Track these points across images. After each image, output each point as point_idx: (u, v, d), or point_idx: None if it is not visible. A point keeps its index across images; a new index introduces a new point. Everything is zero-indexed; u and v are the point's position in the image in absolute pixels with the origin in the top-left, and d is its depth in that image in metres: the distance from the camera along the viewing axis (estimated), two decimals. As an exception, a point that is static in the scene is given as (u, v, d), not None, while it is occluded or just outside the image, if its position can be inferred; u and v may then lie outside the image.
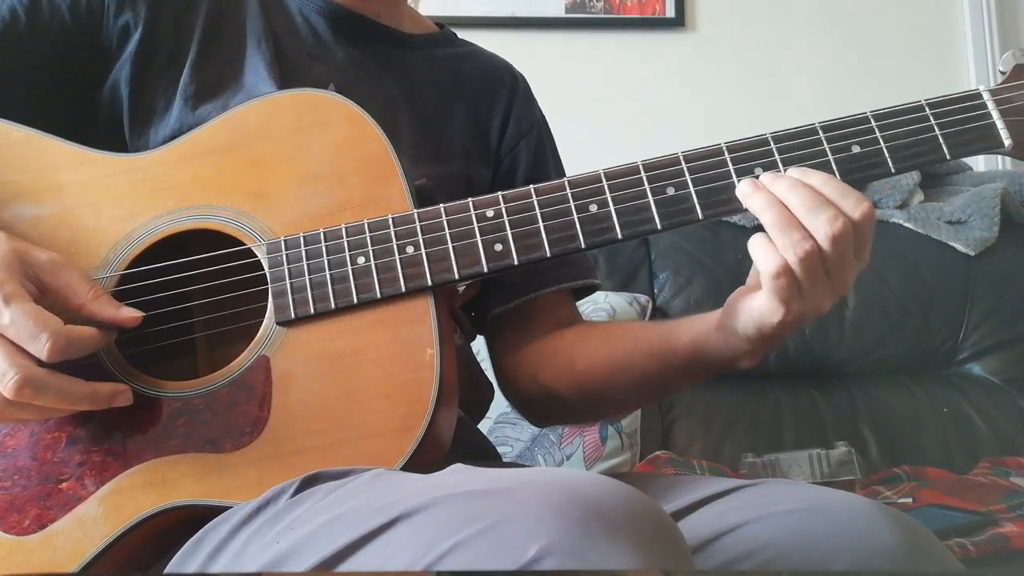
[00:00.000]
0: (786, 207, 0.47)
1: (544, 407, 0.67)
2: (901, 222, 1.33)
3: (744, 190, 0.48)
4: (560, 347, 0.65)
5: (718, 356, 0.54)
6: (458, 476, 0.40)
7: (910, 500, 1.02)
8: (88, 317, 0.46)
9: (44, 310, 0.44)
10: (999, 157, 1.59)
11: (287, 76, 0.60)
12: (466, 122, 0.68)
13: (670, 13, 1.62)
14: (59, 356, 0.43)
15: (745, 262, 0.49)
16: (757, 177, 0.49)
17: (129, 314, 0.47)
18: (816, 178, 0.47)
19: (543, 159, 0.71)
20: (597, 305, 1.19)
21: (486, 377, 0.71)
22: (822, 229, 0.46)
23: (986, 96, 0.50)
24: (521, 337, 0.66)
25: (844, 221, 0.46)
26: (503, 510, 0.34)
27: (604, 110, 1.59)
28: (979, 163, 1.60)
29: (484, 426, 0.71)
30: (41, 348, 0.42)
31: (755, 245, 0.47)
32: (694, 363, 0.56)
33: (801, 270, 0.46)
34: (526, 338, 0.66)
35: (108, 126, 0.59)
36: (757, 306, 0.49)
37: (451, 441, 0.51)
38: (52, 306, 0.46)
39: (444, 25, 0.73)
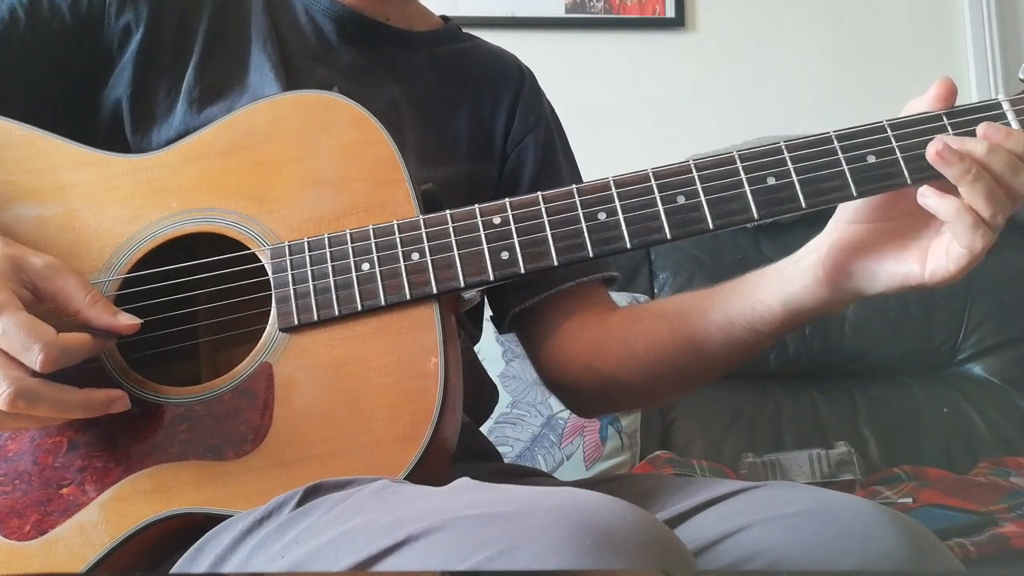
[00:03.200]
0: (987, 171, 0.46)
1: (602, 394, 0.65)
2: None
3: (939, 152, 0.46)
4: (612, 331, 0.63)
5: (821, 311, 0.53)
6: (466, 497, 0.39)
7: (910, 500, 1.02)
8: (84, 323, 0.46)
9: (37, 320, 0.43)
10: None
11: (291, 78, 0.59)
12: (471, 120, 0.67)
13: (670, 13, 1.61)
14: (52, 366, 0.42)
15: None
16: (771, 184, 0.48)
17: (126, 321, 0.47)
18: (1011, 140, 0.47)
19: (552, 155, 0.69)
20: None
21: (490, 380, 0.71)
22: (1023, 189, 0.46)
23: (1006, 106, 0.49)
24: (558, 329, 0.65)
25: None
26: (513, 536, 0.34)
27: (604, 110, 1.58)
28: (979, 163, 1.59)
29: (484, 426, 0.71)
30: (34, 359, 0.42)
31: (953, 213, 0.46)
32: (789, 322, 0.54)
33: (996, 231, 0.47)
34: (566, 330, 0.65)
35: (110, 127, 0.59)
36: (913, 271, 0.49)
37: (456, 447, 0.50)
38: (49, 312, 0.45)
39: (449, 19, 0.72)
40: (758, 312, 0.55)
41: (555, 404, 1.17)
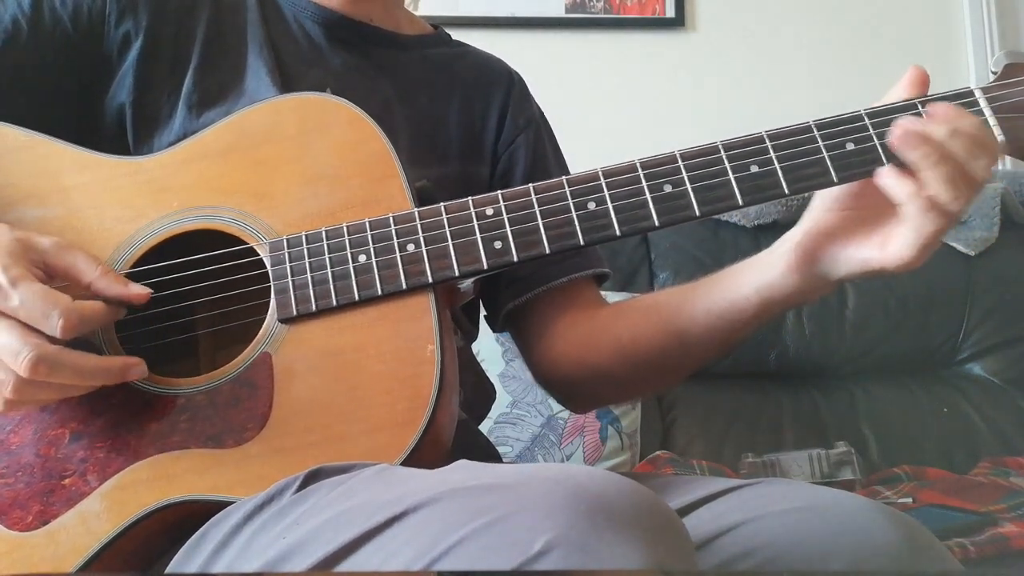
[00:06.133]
0: (949, 156, 0.47)
1: (592, 388, 0.66)
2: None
3: (899, 137, 0.47)
4: (601, 327, 0.64)
5: (794, 299, 0.55)
6: (463, 472, 0.40)
7: (910, 500, 1.02)
8: (97, 294, 0.47)
9: (52, 289, 0.44)
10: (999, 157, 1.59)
11: (286, 82, 0.60)
12: (462, 121, 0.68)
13: (670, 13, 1.62)
14: (72, 332, 0.43)
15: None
16: (754, 172, 0.50)
17: (138, 290, 0.47)
18: (963, 121, 0.48)
19: (542, 156, 0.70)
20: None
21: (487, 379, 0.72)
22: (980, 175, 0.47)
23: (978, 94, 0.51)
24: (549, 326, 0.66)
25: (991, 166, 0.47)
26: (509, 504, 0.34)
27: (604, 110, 1.59)
28: (979, 163, 1.60)
29: (484, 426, 0.71)
30: (54, 326, 0.42)
31: (911, 200, 0.47)
32: (763, 311, 0.56)
33: (954, 219, 0.47)
34: (556, 326, 0.66)
35: (113, 132, 0.59)
36: (873, 255, 0.50)
37: (452, 439, 0.51)
38: (61, 288, 0.46)
39: (439, 26, 0.74)
40: (734, 302, 0.56)
41: (555, 404, 1.17)
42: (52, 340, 0.43)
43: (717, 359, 0.62)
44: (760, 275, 0.55)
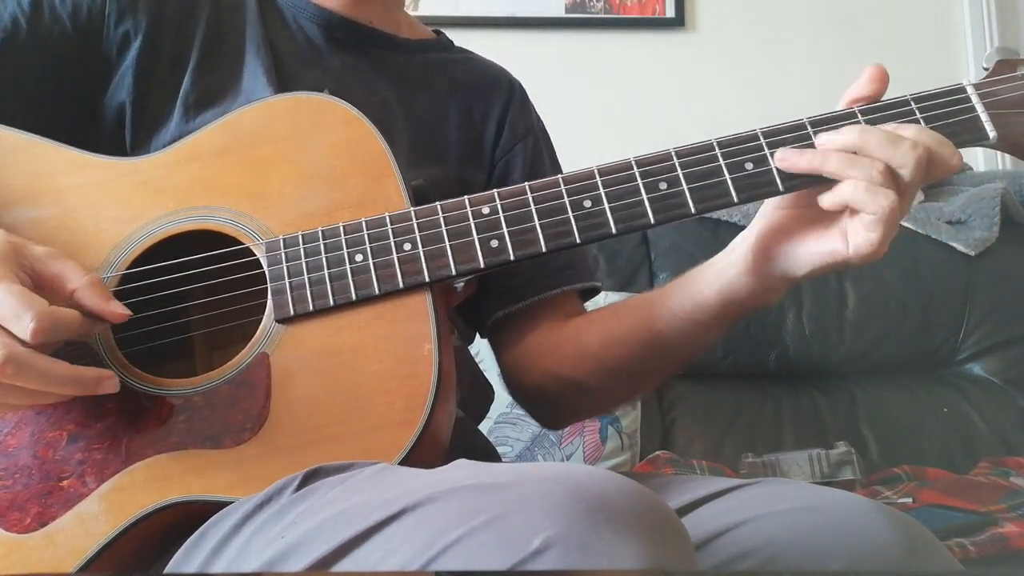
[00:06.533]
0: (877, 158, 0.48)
1: (562, 400, 0.66)
2: (901, 222, 1.33)
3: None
4: (568, 336, 0.64)
5: (752, 300, 0.55)
6: (463, 471, 0.40)
7: (910, 500, 1.02)
8: (77, 303, 0.46)
9: (31, 292, 0.43)
10: (999, 157, 1.60)
11: (283, 82, 0.60)
12: (461, 125, 0.68)
13: (670, 13, 1.62)
14: (43, 336, 0.42)
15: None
16: (749, 170, 0.50)
17: (116, 309, 0.46)
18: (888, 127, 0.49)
19: (539, 166, 0.70)
20: (597, 306, 1.19)
21: (485, 378, 0.71)
22: (911, 155, 0.48)
23: (970, 90, 0.51)
24: (529, 337, 0.66)
25: (923, 147, 0.48)
26: (508, 503, 0.34)
27: (604, 110, 1.59)
28: (979, 163, 1.60)
29: (484, 426, 0.71)
30: (25, 327, 0.41)
31: (849, 192, 0.47)
32: (725, 312, 0.55)
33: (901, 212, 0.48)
34: (535, 337, 0.66)
35: (111, 133, 0.59)
36: (838, 248, 0.50)
37: (450, 439, 0.51)
38: (47, 296, 0.45)
39: (441, 32, 0.74)
40: (696, 304, 0.56)
41: (556, 404, 1.17)
42: (25, 344, 0.42)
43: (685, 362, 0.61)
44: (719, 276, 0.55)
